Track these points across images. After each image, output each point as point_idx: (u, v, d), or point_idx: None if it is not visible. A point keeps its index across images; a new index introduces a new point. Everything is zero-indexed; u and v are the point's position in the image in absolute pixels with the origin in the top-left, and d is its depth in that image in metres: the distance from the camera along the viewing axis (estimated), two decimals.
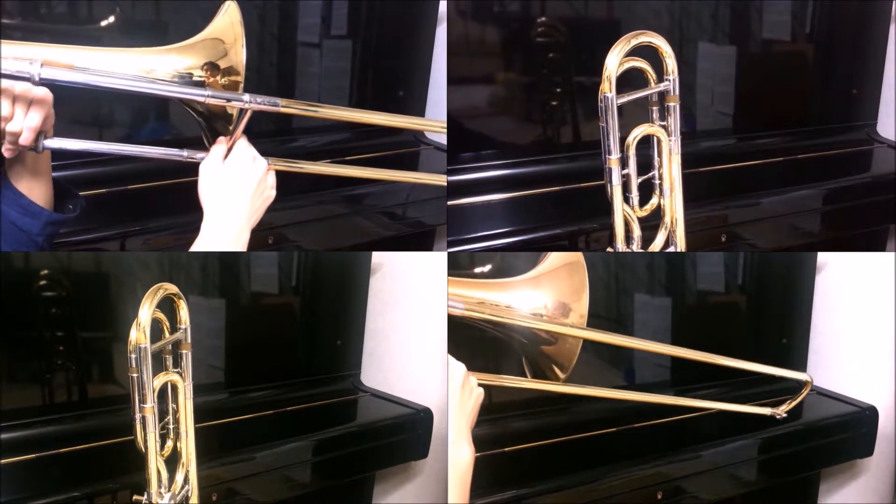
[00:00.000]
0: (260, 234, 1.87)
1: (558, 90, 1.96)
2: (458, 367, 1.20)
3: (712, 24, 2.12)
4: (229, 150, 1.34)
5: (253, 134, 2.07)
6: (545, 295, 1.36)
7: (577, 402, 2.01)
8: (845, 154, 2.30)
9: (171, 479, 1.42)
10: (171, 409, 1.43)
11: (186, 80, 1.35)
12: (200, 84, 1.36)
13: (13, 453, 1.64)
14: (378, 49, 2.23)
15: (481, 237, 1.81)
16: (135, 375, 1.32)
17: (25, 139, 1.25)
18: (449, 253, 1.79)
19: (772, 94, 2.23)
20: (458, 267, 1.83)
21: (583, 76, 1.96)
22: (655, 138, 1.51)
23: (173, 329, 1.43)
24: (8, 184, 1.31)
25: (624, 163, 1.47)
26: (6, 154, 1.28)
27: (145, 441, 1.35)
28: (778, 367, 1.90)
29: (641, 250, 1.51)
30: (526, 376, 1.40)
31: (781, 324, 2.44)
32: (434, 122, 1.94)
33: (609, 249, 1.52)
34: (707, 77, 2.12)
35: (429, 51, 2.31)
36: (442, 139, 2.19)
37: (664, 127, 1.50)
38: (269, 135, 2.08)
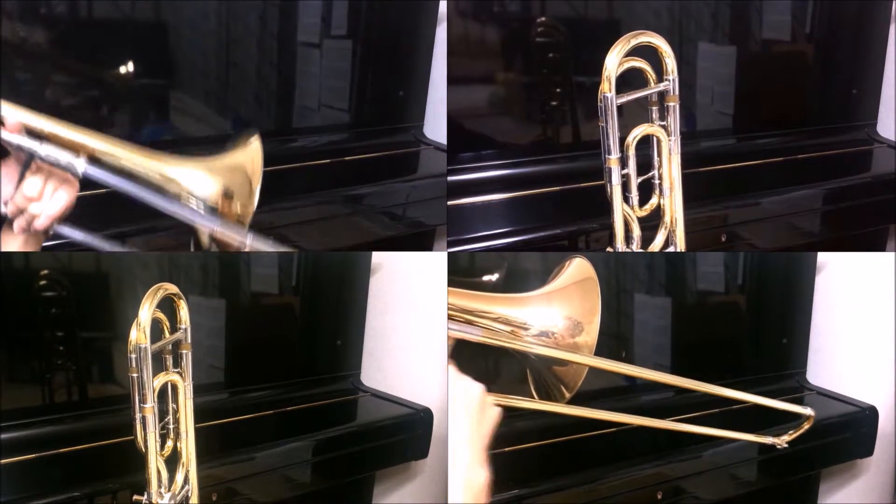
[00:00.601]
0: (260, 235, 1.87)
1: (558, 90, 1.96)
2: (475, 388, 1.16)
3: (712, 24, 2.12)
4: None
5: None
6: (557, 313, 1.35)
7: (576, 403, 2.01)
8: (845, 154, 2.30)
9: (171, 479, 1.42)
10: (171, 409, 1.43)
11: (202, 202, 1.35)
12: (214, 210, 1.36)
13: (13, 453, 1.64)
14: (378, 49, 2.23)
15: (481, 237, 1.81)
16: (135, 375, 1.32)
17: (41, 224, 1.24)
18: (449, 253, 1.79)
19: (772, 94, 2.23)
20: (459, 267, 1.83)
21: (583, 76, 1.96)
22: (655, 138, 1.51)
23: (173, 329, 1.43)
24: None
25: (624, 163, 1.47)
26: (15, 231, 1.27)
27: (145, 441, 1.35)
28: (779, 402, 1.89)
29: (641, 250, 1.51)
30: (528, 387, 1.40)
31: (781, 324, 2.44)
32: None
33: (609, 249, 1.52)
34: (707, 77, 2.12)
35: (429, 51, 2.31)
36: (442, 139, 2.19)
37: (664, 127, 1.50)
38: (269, 135, 2.08)
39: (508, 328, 1.33)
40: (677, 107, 1.49)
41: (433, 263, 2.25)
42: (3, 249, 1.30)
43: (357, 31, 2.19)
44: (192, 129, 1.95)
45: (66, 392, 1.79)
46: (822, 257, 2.44)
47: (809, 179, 2.15)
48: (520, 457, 1.82)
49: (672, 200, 1.52)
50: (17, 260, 1.72)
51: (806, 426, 1.85)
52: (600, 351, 1.93)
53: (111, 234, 1.70)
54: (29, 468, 1.64)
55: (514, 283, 1.88)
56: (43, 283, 1.74)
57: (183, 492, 1.44)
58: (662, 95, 1.49)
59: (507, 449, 1.82)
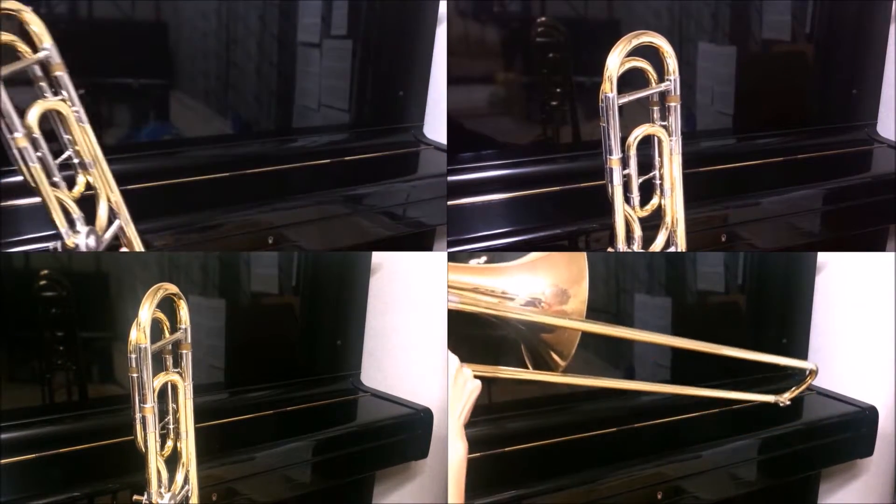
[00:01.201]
0: (260, 234, 1.87)
1: (558, 90, 1.96)
2: (452, 360, 1.16)
3: (712, 24, 2.12)
4: None
5: (253, 134, 2.08)
6: (543, 281, 1.34)
7: (576, 402, 2.02)
8: (845, 154, 2.30)
9: (171, 479, 1.42)
10: (171, 409, 1.43)
11: None
12: None
13: (13, 453, 1.64)
14: (378, 49, 2.23)
15: (481, 237, 1.81)
16: (135, 375, 1.32)
17: None
18: (449, 253, 1.79)
19: (772, 94, 2.23)
20: (457, 260, 1.83)
21: (583, 76, 1.96)
22: (656, 138, 1.51)
23: (173, 329, 1.43)
24: None
25: (625, 163, 1.47)
26: None
27: (145, 441, 1.35)
28: (782, 362, 1.89)
29: (642, 250, 1.51)
30: (526, 367, 1.39)
31: (781, 324, 2.44)
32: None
33: (609, 249, 1.52)
34: (707, 77, 2.12)
35: (429, 51, 2.31)
36: (442, 139, 2.19)
37: (665, 127, 1.50)
38: (269, 135, 2.08)
39: (495, 300, 1.32)
40: (678, 107, 1.49)
41: (433, 263, 2.25)
42: None
43: (357, 31, 2.19)
44: (192, 129, 1.95)
45: (66, 392, 1.79)
46: (822, 257, 2.44)
47: (809, 179, 2.15)
48: (520, 457, 1.82)
49: (673, 201, 1.52)
50: (17, 260, 1.72)
51: (809, 380, 1.85)
52: (600, 349, 1.94)
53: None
54: (29, 468, 1.64)
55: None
56: (43, 283, 1.74)
57: (183, 492, 1.44)
58: (663, 95, 1.49)
59: (507, 449, 1.82)
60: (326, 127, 2.19)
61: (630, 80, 1.47)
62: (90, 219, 1.38)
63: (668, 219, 1.53)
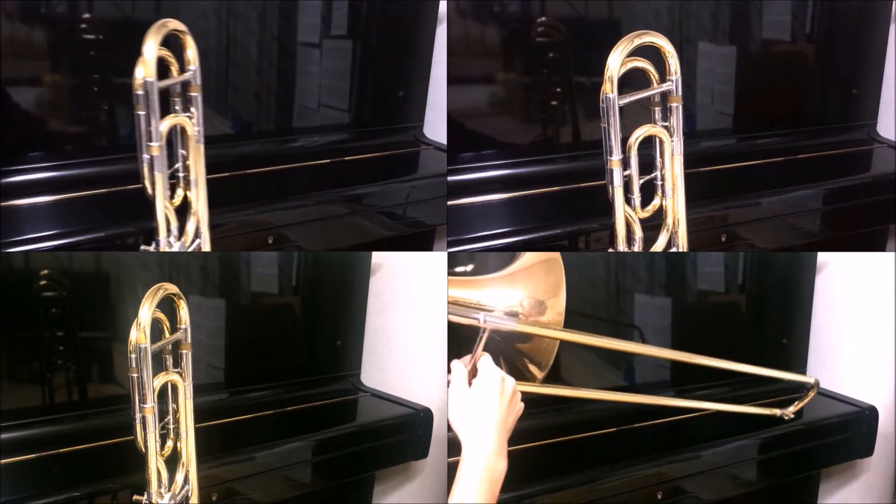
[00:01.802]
0: (260, 234, 1.87)
1: (558, 90, 1.96)
2: (510, 381, 1.22)
3: (712, 24, 2.12)
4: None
5: (253, 134, 2.08)
6: (520, 293, 1.34)
7: (576, 402, 2.01)
8: (845, 154, 2.30)
9: (171, 479, 1.42)
10: (171, 409, 1.43)
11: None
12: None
13: (13, 453, 1.64)
14: (378, 49, 2.23)
15: (481, 237, 1.81)
16: (135, 375, 1.33)
17: None
18: (449, 253, 1.79)
19: (772, 94, 2.23)
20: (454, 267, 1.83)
21: (583, 76, 1.96)
22: (657, 139, 1.51)
23: (173, 329, 1.43)
24: None
25: (625, 164, 1.46)
26: None
27: (145, 441, 1.35)
28: (783, 371, 1.90)
29: (643, 251, 1.51)
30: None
31: (781, 324, 2.44)
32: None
33: (610, 250, 1.52)
34: (707, 77, 2.12)
35: (429, 51, 2.31)
36: (442, 139, 2.19)
37: (666, 127, 1.50)
38: (269, 135, 2.08)
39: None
40: (680, 107, 1.49)
41: (433, 263, 2.25)
42: None
43: (357, 31, 2.19)
44: None
45: (66, 392, 1.79)
46: (822, 257, 2.44)
47: (809, 179, 2.15)
48: (519, 457, 1.82)
49: (675, 201, 1.52)
50: (17, 260, 1.72)
51: (811, 394, 1.85)
52: (599, 349, 1.93)
53: (111, 235, 1.71)
54: (29, 468, 1.64)
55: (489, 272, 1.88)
56: (43, 283, 1.74)
57: (183, 492, 1.44)
58: (665, 96, 1.49)
59: (506, 449, 1.81)
60: (326, 127, 2.19)
61: (631, 81, 1.47)
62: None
63: (669, 219, 1.53)
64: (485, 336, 1.25)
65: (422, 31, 2.29)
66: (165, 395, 1.42)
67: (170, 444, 1.43)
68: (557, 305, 1.33)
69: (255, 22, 2.00)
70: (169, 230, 1.44)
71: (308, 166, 2.12)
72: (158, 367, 1.39)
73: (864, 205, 2.17)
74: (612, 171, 1.45)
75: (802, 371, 2.47)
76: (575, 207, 1.87)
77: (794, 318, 2.45)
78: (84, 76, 1.78)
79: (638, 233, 1.50)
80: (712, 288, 2.32)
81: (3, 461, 1.61)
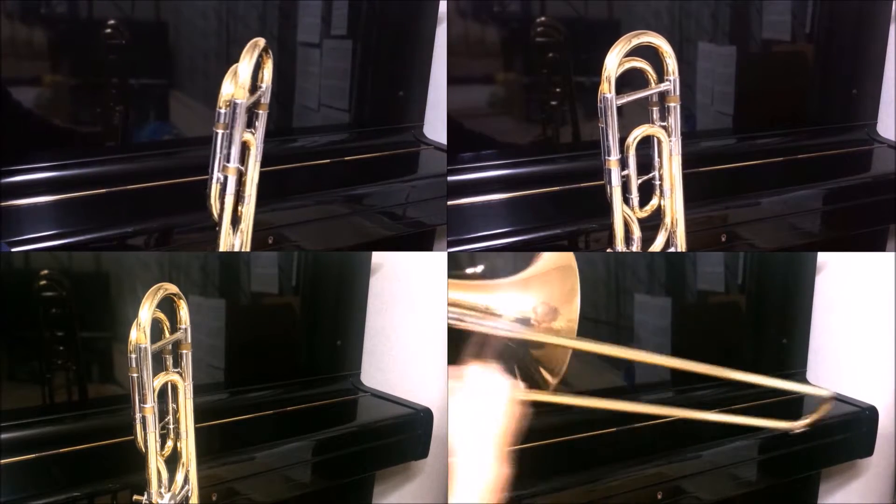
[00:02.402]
0: (260, 234, 1.87)
1: (558, 90, 1.96)
2: (513, 386, 1.22)
3: (712, 24, 2.12)
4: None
5: None
6: (534, 298, 1.34)
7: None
8: (845, 154, 2.30)
9: (171, 479, 1.42)
10: (171, 409, 1.43)
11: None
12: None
13: (13, 453, 1.64)
14: (378, 49, 2.23)
15: (481, 237, 1.81)
16: (135, 375, 1.32)
17: None
18: (449, 253, 1.79)
19: (772, 94, 2.23)
20: (459, 267, 1.83)
21: (583, 76, 1.96)
22: (655, 139, 1.51)
23: (173, 329, 1.43)
24: None
25: (624, 164, 1.46)
26: None
27: (145, 441, 1.35)
28: (798, 384, 1.89)
29: (641, 251, 1.51)
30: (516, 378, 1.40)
31: (781, 324, 2.44)
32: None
33: (609, 250, 1.52)
34: (707, 77, 2.12)
35: (429, 51, 2.31)
36: (442, 139, 2.19)
37: (664, 127, 1.50)
38: (269, 135, 2.07)
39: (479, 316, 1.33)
40: (678, 107, 1.49)
41: (433, 263, 2.25)
42: None
43: (357, 31, 2.19)
44: (192, 129, 1.95)
45: (66, 392, 1.79)
46: (822, 257, 2.44)
47: (809, 179, 2.15)
48: (519, 457, 1.82)
49: (673, 201, 1.52)
50: (17, 260, 1.72)
51: (826, 407, 1.84)
52: None
53: (111, 235, 1.71)
54: (29, 468, 1.64)
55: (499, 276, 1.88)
56: (43, 283, 1.74)
57: (183, 492, 1.44)
58: (663, 96, 1.49)
59: (506, 449, 1.81)
60: (326, 127, 2.19)
61: (630, 81, 1.47)
62: None
63: (667, 219, 1.53)
64: None
65: (422, 31, 2.30)
66: (165, 395, 1.42)
67: (170, 444, 1.43)
68: (571, 313, 1.33)
69: (255, 22, 2.00)
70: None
71: (308, 166, 2.12)
72: (158, 367, 1.39)
73: (864, 205, 2.17)
74: (610, 170, 1.45)
75: (802, 371, 2.47)
76: (575, 207, 1.87)
77: (793, 318, 2.45)
78: (84, 76, 1.79)
79: (636, 232, 1.50)
80: (712, 288, 2.32)
81: (3, 461, 1.61)
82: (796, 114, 2.28)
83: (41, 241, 1.66)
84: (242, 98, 1.34)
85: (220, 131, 1.37)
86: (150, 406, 1.34)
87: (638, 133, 1.48)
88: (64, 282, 1.76)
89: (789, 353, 2.43)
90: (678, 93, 1.48)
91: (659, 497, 1.88)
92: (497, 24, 1.94)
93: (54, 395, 1.77)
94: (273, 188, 1.99)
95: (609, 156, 1.44)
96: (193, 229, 1.78)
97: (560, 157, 1.97)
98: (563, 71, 1.95)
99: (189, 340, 1.44)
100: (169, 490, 1.40)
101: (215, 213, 1.41)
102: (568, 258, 1.36)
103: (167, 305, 1.41)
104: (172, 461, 1.43)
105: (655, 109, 1.50)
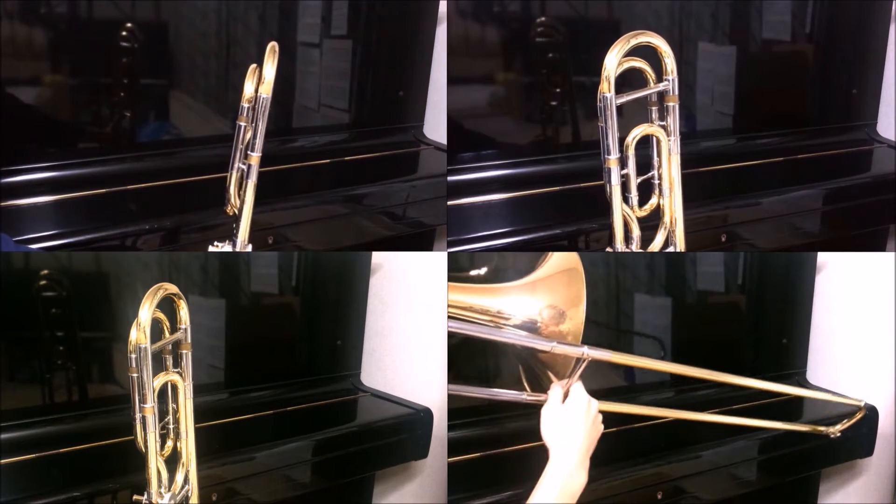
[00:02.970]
0: (260, 234, 1.87)
1: (558, 90, 1.96)
2: (595, 403, 1.33)
3: (712, 24, 2.12)
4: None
5: None
6: (540, 302, 1.35)
7: None
8: (845, 154, 2.30)
9: (171, 479, 1.42)
10: (171, 409, 1.43)
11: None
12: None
13: (13, 453, 1.64)
14: (378, 49, 2.23)
15: (481, 237, 1.81)
16: (135, 375, 1.33)
17: None
18: (449, 253, 1.79)
19: (772, 94, 2.23)
20: (459, 267, 1.83)
21: (583, 76, 1.96)
22: (655, 138, 1.51)
23: (173, 329, 1.43)
24: None
25: (623, 163, 1.47)
26: None
27: (145, 441, 1.35)
28: (833, 395, 1.91)
29: (641, 250, 1.51)
30: (524, 386, 1.40)
31: (781, 324, 2.44)
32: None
33: (608, 249, 1.52)
34: (707, 77, 2.12)
35: (429, 51, 2.31)
36: (442, 139, 2.19)
37: (663, 127, 1.50)
38: (269, 135, 2.08)
39: (488, 319, 1.34)
40: (677, 107, 1.49)
41: (433, 263, 2.25)
42: None
43: (357, 31, 2.19)
44: (192, 129, 1.95)
45: (66, 392, 1.79)
46: (822, 257, 2.44)
47: (809, 179, 2.15)
48: (520, 457, 1.82)
49: (672, 200, 1.52)
50: (17, 260, 1.72)
51: (859, 416, 1.86)
52: (601, 346, 1.92)
53: (111, 235, 1.71)
54: (29, 468, 1.64)
55: (505, 277, 1.89)
56: (43, 283, 1.74)
57: (183, 492, 1.44)
58: (662, 95, 1.50)
59: (506, 449, 1.82)
60: (326, 127, 2.19)
61: (629, 81, 1.47)
62: None
63: (666, 218, 1.54)
64: (582, 366, 1.32)
65: (422, 32, 2.30)
66: (165, 395, 1.42)
67: (170, 444, 1.43)
68: (577, 316, 1.34)
69: (255, 22, 2.00)
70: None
71: (308, 166, 2.12)
72: (158, 367, 1.39)
73: (864, 205, 2.17)
74: (609, 170, 1.46)
75: (802, 371, 2.47)
76: (574, 207, 1.87)
77: (793, 318, 2.45)
78: (84, 76, 1.79)
79: (636, 232, 1.50)
80: (712, 288, 2.32)
81: (3, 461, 1.61)
82: (796, 114, 2.28)
83: (41, 241, 1.66)
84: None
85: (243, 124, 1.51)
86: (150, 406, 1.34)
87: (637, 132, 1.48)
88: (64, 282, 1.76)
89: (789, 353, 2.43)
90: (677, 92, 1.49)
91: (659, 497, 1.88)
92: (497, 24, 1.94)
93: (54, 395, 1.77)
94: (273, 188, 2.00)
95: (608, 155, 1.45)
96: (195, 229, 1.78)
97: (560, 157, 1.97)
98: (563, 71, 1.95)
99: (189, 340, 1.44)
100: (169, 490, 1.41)
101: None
102: (574, 261, 1.36)
103: (167, 305, 1.41)
104: (172, 461, 1.43)
105: (654, 109, 1.50)
